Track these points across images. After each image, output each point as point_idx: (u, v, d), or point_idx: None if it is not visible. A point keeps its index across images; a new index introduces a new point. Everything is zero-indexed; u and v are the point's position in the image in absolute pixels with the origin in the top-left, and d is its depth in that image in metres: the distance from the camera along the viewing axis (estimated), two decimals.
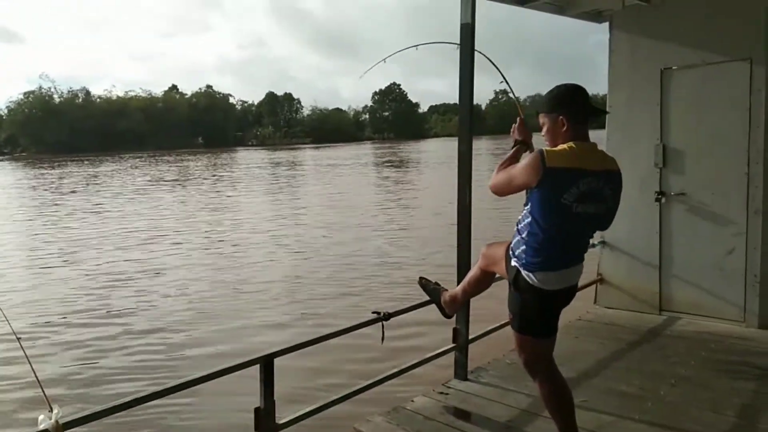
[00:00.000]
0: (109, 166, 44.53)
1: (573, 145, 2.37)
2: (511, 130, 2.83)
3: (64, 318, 7.43)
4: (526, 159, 2.44)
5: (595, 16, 5.92)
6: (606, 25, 5.45)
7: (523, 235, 2.49)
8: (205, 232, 13.97)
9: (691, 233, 4.82)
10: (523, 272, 2.48)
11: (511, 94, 3.06)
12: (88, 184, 29.36)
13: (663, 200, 4.93)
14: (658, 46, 4.90)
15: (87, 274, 9.81)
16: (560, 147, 2.39)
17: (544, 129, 2.53)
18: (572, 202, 2.33)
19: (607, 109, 5.25)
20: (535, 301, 2.51)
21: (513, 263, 2.54)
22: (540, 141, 2.59)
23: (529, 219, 2.44)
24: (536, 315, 2.55)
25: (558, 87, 2.52)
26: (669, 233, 4.95)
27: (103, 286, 8.93)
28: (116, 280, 9.32)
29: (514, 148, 2.77)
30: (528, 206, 2.45)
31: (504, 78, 3.18)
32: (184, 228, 14.63)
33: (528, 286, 2.48)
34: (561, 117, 2.44)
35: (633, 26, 5.08)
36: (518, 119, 2.85)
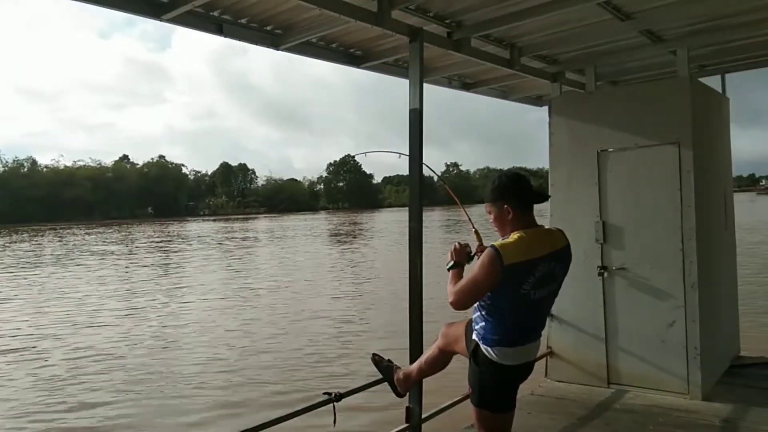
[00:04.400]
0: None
1: (523, 235, 2.46)
2: (452, 248, 2.72)
3: None
4: (482, 258, 2.44)
5: (536, 100, 6.36)
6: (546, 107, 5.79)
7: (483, 313, 2.55)
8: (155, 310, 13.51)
9: (633, 306, 4.96)
10: (482, 346, 2.54)
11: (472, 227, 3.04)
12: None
13: (605, 274, 5.08)
14: (593, 129, 5.18)
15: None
16: (512, 239, 2.45)
17: (492, 217, 2.60)
18: (530, 290, 2.44)
19: (549, 187, 5.48)
20: (493, 375, 2.54)
21: (473, 337, 2.60)
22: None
23: (490, 302, 2.51)
24: (494, 389, 2.58)
25: (500, 177, 2.62)
26: (613, 306, 5.08)
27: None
28: None
29: (452, 270, 2.65)
30: (488, 294, 2.49)
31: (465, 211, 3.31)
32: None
33: (486, 360, 2.53)
34: (506, 206, 2.53)
35: (570, 111, 5.37)
36: (458, 243, 2.76)
